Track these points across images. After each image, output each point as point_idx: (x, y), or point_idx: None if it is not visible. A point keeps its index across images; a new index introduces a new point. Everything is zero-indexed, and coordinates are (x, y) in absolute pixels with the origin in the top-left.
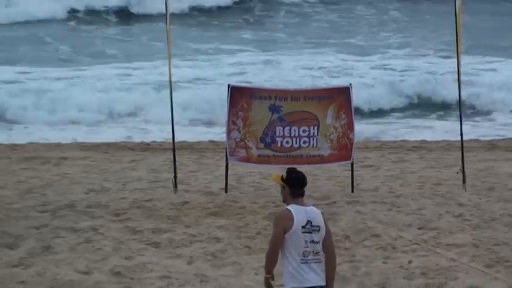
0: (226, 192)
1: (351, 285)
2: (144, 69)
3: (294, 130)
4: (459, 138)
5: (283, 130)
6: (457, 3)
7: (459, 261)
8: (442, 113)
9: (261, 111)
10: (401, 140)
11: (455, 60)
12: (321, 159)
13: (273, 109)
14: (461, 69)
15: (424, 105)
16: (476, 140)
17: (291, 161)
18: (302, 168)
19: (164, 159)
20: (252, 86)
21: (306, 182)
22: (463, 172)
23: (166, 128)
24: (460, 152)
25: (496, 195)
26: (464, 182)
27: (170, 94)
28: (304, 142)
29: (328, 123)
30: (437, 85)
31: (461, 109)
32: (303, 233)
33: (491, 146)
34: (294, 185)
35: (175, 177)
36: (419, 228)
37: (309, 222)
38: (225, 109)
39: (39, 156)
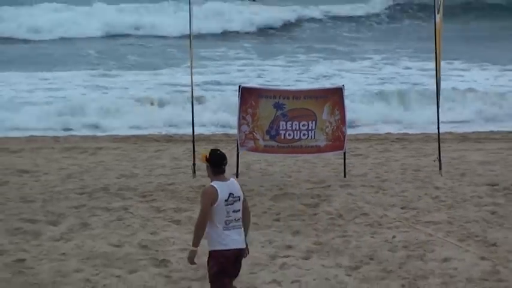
0: (237, 177)
1: (343, 256)
2: (163, 75)
3: (295, 124)
4: (436, 131)
5: (286, 124)
6: (437, 16)
7: (436, 236)
8: (420, 110)
9: (267, 108)
10: (386, 133)
11: (433, 65)
12: (318, 149)
13: (277, 106)
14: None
15: (404, 103)
16: (450, 133)
17: (292, 151)
18: (302, 157)
19: (184, 149)
20: (259, 86)
21: (226, 162)
22: (439, 160)
23: (186, 122)
24: (437, 143)
25: (467, 180)
26: (440, 168)
27: (191, 95)
28: (304, 135)
29: (324, 119)
30: (416, 86)
31: (438, 106)
32: (226, 205)
33: (463, 137)
34: (215, 165)
35: (194, 164)
36: (401, 208)
37: (230, 194)
38: (236, 106)
39: (77, 146)
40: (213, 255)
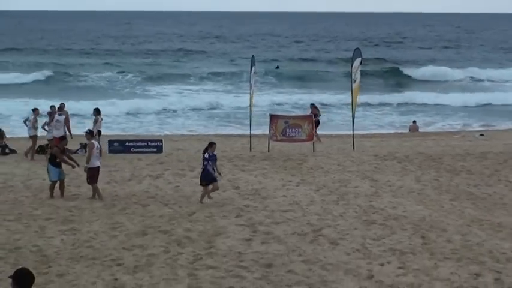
0: (268, 151)
1: (312, 185)
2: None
3: (293, 129)
4: (351, 132)
5: (290, 129)
6: (353, 85)
7: (352, 177)
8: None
9: (281, 123)
10: (329, 134)
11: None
12: (302, 140)
13: (285, 122)
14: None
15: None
16: (357, 134)
17: (292, 141)
18: (295, 144)
19: (247, 140)
20: (278, 113)
21: (94, 135)
22: (353, 145)
23: (245, 126)
24: (351, 139)
25: (365, 153)
26: (353, 148)
27: (250, 116)
28: (297, 134)
29: (305, 127)
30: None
31: (353, 123)
32: (96, 149)
33: (363, 136)
34: (90, 134)
35: (250, 146)
36: (337, 165)
37: (97, 146)
38: (267, 121)
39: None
40: (90, 169)
